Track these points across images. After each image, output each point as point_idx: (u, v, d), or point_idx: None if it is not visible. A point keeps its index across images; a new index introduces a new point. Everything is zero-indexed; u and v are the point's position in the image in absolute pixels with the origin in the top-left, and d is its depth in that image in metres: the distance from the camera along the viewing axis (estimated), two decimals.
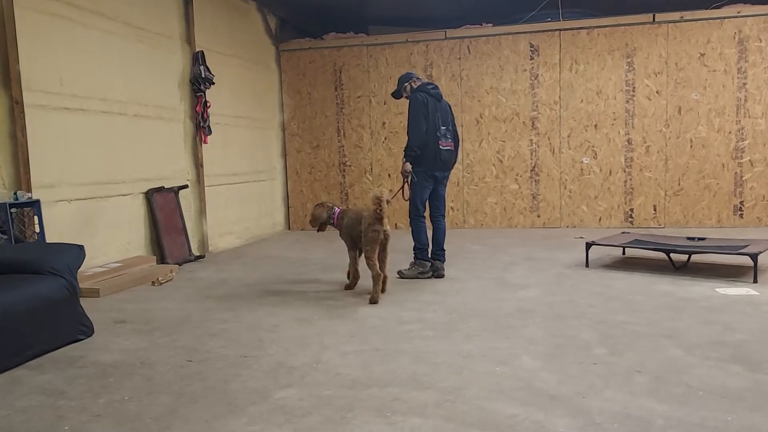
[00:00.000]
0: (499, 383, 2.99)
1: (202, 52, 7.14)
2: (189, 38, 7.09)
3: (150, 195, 6.39)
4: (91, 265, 5.51)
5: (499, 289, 5.03)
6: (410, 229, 5.63)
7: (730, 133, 8.16)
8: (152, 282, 5.59)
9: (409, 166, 5.48)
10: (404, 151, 5.51)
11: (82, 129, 5.56)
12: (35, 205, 4.86)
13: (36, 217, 4.86)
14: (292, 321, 4.23)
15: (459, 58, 8.85)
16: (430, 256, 5.64)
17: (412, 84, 5.67)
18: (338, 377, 3.13)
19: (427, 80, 6.85)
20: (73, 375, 3.27)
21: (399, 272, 5.62)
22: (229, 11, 8.02)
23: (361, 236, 4.85)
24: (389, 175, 9.15)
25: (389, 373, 3.16)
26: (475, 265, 6.09)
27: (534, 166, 8.75)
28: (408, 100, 5.64)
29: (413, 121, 5.43)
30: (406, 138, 5.52)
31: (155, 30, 6.56)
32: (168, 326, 4.18)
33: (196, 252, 7.05)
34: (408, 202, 5.63)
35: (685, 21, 8.14)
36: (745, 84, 8.07)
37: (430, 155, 5.48)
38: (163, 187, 6.60)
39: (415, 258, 5.61)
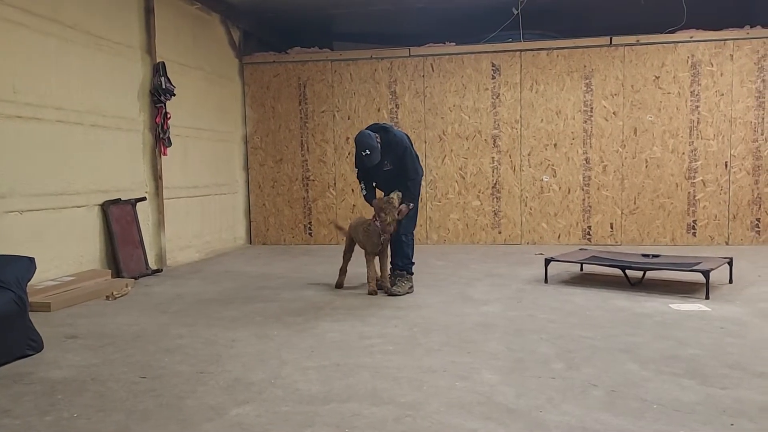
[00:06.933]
0: (460, 398, 2.99)
1: (163, 63, 7.04)
2: (150, 49, 6.98)
3: (106, 207, 6.23)
4: (42, 278, 5.32)
5: (461, 304, 5.06)
6: (405, 244, 5.58)
7: (683, 154, 8.43)
8: (106, 296, 5.43)
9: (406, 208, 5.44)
10: (412, 185, 5.45)
11: (36, 138, 5.40)
12: None
13: None
14: (251, 336, 4.15)
15: (423, 76, 8.95)
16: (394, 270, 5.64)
17: (376, 136, 5.45)
18: (297, 393, 3.08)
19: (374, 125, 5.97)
20: (19, 392, 3.14)
21: (390, 292, 5.42)
22: (191, 23, 7.94)
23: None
24: (352, 190, 9.13)
25: (349, 389, 3.13)
26: (438, 281, 6.11)
27: (495, 184, 8.86)
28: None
29: (414, 159, 5.52)
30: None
31: (115, 39, 6.44)
32: (121, 342, 4.06)
33: (153, 266, 6.89)
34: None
35: (641, 44, 8.40)
36: (698, 107, 8.36)
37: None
38: (120, 199, 6.44)
39: (407, 272, 5.62)
